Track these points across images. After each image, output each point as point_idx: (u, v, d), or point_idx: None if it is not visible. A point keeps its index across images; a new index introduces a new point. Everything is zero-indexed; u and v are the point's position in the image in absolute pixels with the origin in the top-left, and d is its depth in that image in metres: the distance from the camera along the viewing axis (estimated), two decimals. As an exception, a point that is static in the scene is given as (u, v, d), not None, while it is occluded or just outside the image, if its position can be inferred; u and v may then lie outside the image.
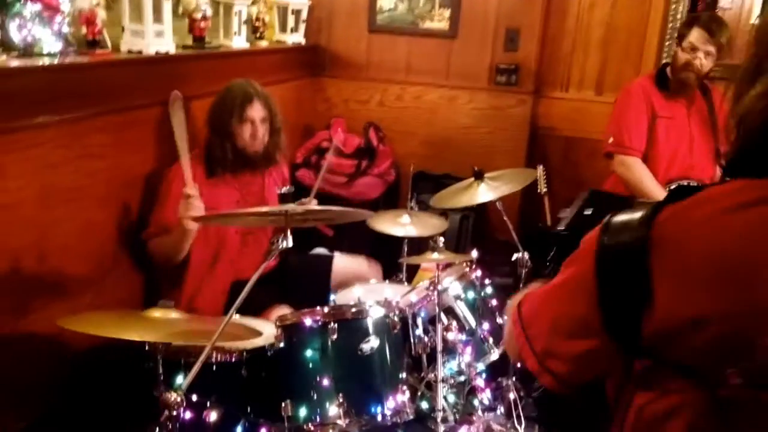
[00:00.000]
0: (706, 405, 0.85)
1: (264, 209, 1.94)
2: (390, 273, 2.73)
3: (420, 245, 2.52)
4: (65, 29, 2.05)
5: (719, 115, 2.89)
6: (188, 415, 1.66)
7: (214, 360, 1.79)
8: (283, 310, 2.28)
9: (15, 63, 1.88)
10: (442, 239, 2.13)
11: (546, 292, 1.02)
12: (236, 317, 1.73)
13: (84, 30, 2.20)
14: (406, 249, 2.74)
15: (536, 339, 1.02)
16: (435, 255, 2.09)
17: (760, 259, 0.80)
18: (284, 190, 1.78)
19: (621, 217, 0.90)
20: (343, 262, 2.67)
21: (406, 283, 2.58)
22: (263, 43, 3.36)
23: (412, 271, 2.83)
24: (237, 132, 2.39)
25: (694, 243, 0.84)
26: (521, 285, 2.31)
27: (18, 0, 1.89)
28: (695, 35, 2.76)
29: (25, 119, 1.91)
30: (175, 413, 1.44)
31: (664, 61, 3.32)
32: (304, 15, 3.77)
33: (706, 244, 0.83)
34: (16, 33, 1.93)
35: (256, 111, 2.40)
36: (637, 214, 0.88)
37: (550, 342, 1.00)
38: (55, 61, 1.99)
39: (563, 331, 0.97)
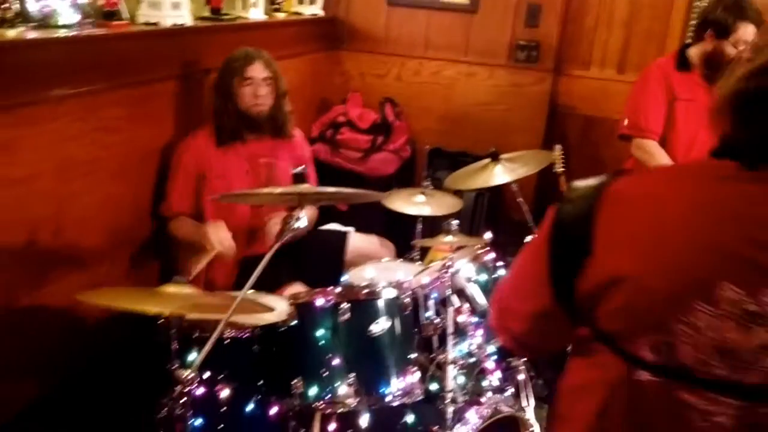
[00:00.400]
0: (622, 387, 0.87)
1: (278, 190, 1.94)
2: (403, 252, 2.72)
3: (434, 223, 2.50)
4: (82, 0, 2.04)
5: None
6: (200, 390, 1.69)
7: (226, 336, 1.81)
8: (297, 289, 2.30)
9: (32, 35, 1.88)
10: (456, 222, 2.11)
11: (519, 253, 1.07)
12: (249, 293, 1.74)
13: (101, 1, 2.19)
14: (419, 228, 2.73)
15: (501, 296, 1.08)
16: (448, 238, 2.09)
17: (687, 235, 0.81)
18: (298, 170, 1.76)
19: (582, 181, 0.93)
20: (356, 241, 2.67)
21: (419, 262, 2.58)
22: (280, 15, 3.33)
23: (425, 250, 2.83)
24: (238, 92, 2.40)
25: (636, 205, 0.86)
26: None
27: (35, -29, 1.89)
28: (746, 31, 2.59)
29: (42, 92, 1.91)
30: (187, 389, 1.46)
31: (687, 41, 3.24)
32: (322, -14, 3.72)
33: (646, 208, 0.85)
34: (33, 4, 1.93)
35: (257, 71, 2.41)
36: (596, 179, 0.92)
37: (509, 299, 1.05)
38: (72, 32, 1.98)
39: (520, 289, 1.02)
